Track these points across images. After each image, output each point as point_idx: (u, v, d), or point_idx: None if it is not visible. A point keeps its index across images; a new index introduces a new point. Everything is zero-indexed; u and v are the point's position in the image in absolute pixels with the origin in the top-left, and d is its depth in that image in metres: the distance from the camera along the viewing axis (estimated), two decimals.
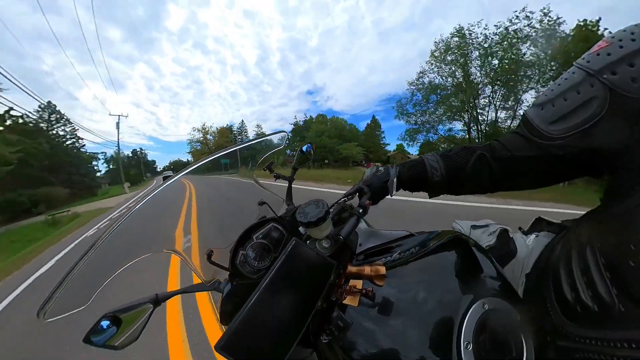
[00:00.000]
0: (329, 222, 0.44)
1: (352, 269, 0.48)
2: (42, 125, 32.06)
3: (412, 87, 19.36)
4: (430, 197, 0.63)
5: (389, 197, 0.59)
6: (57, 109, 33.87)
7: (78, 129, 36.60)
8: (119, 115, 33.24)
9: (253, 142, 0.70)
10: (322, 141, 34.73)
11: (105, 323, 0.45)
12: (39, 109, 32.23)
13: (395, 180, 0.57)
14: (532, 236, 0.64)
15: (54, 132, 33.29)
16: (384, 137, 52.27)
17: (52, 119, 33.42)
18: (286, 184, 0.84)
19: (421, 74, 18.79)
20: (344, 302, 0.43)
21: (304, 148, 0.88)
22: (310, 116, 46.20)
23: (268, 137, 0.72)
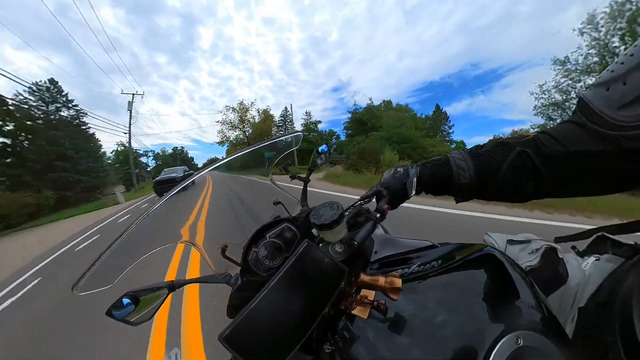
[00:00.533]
0: (344, 226, 0.42)
1: (364, 277, 0.45)
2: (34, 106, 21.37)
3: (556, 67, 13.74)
4: (456, 202, 0.54)
5: (408, 200, 0.53)
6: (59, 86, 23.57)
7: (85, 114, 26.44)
8: (132, 94, 22.25)
9: (270, 142, 0.71)
10: (406, 133, 23.65)
11: (125, 300, 0.51)
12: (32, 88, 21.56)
13: (414, 180, 0.51)
14: (591, 259, 0.53)
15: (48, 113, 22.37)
16: (452, 131, 40.33)
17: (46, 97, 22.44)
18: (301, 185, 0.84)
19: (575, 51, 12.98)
20: (353, 312, 0.40)
21: (320, 149, 0.87)
22: (355, 109, 35.57)
23: (284, 137, 0.73)
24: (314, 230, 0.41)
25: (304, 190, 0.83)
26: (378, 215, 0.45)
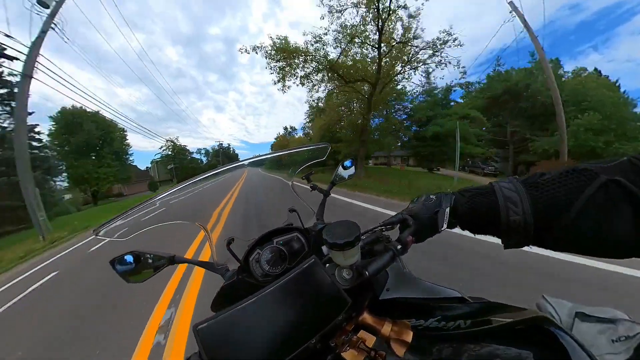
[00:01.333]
0: (357, 250, 0.38)
1: (368, 317, 0.38)
2: None
3: None
4: (505, 248, 0.40)
5: (439, 234, 0.45)
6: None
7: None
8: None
9: (298, 150, 0.71)
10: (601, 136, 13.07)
11: (129, 257, 0.55)
12: None
13: (447, 211, 0.42)
14: None
15: None
16: None
17: None
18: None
19: None
20: (343, 354, 0.34)
21: (347, 163, 0.85)
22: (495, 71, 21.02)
23: (312, 147, 0.72)
24: (323, 248, 0.37)
25: (322, 204, 0.80)
26: (399, 246, 0.39)
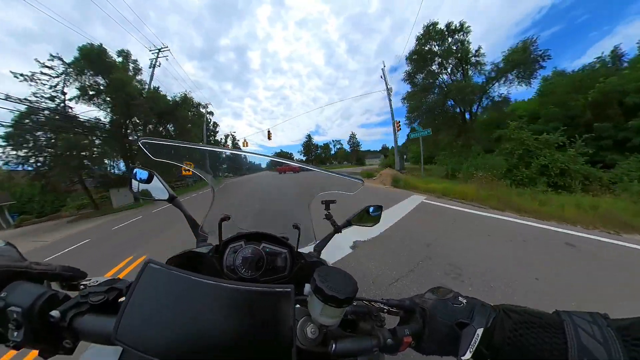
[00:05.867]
0: (341, 314, 0.31)
1: None
2: None
3: None
4: None
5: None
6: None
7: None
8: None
9: (335, 174, 0.69)
10: None
11: (145, 174, 0.60)
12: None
13: (478, 334, 0.28)
14: None
15: None
16: None
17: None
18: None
19: None
20: None
21: (373, 210, 0.81)
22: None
23: (348, 178, 0.69)
24: (307, 288, 0.30)
25: (328, 238, 0.75)
26: (389, 340, 0.31)
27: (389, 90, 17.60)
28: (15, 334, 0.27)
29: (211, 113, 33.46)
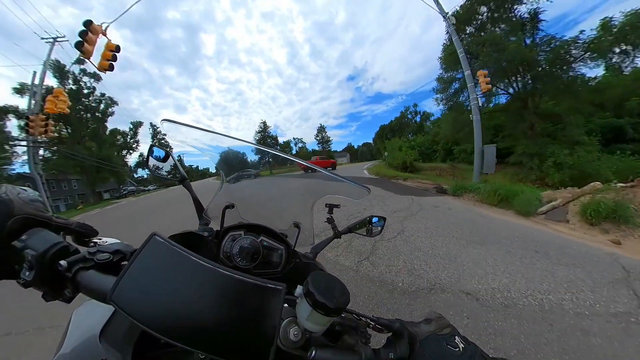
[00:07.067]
0: (328, 322, 0.30)
1: None
2: None
3: None
4: None
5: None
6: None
7: None
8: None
9: (341, 178, 0.69)
10: None
11: (162, 152, 0.63)
12: None
13: None
14: None
15: None
16: None
17: None
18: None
19: None
20: None
21: (376, 220, 0.82)
22: None
23: (355, 186, 0.69)
24: (298, 290, 0.30)
25: (326, 242, 0.76)
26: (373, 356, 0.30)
27: (448, 18, 8.54)
28: (27, 273, 0.29)
29: (113, 104, 27.25)
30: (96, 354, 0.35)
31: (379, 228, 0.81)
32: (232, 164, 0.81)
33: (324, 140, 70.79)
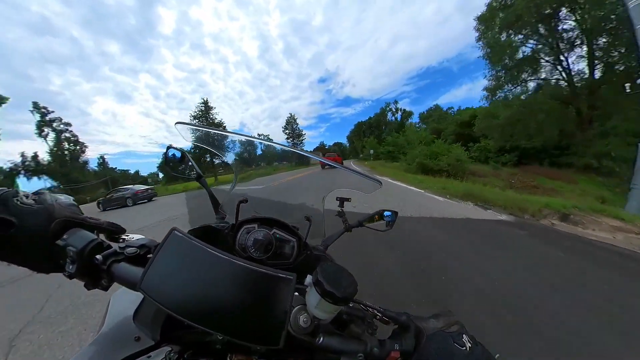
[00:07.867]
0: (336, 311, 0.32)
1: None
2: None
3: None
4: None
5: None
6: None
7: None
8: None
9: (355, 172, 0.69)
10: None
11: (178, 153, 0.65)
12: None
13: None
14: None
15: None
16: None
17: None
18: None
19: None
20: None
21: (387, 214, 0.82)
22: None
23: (369, 179, 0.69)
24: (308, 279, 0.32)
25: (337, 235, 0.76)
26: (375, 349, 0.32)
27: None
28: (71, 267, 0.34)
29: None
30: (132, 332, 0.41)
31: (391, 222, 0.80)
32: (245, 161, 0.85)
33: (294, 134, 57.26)
